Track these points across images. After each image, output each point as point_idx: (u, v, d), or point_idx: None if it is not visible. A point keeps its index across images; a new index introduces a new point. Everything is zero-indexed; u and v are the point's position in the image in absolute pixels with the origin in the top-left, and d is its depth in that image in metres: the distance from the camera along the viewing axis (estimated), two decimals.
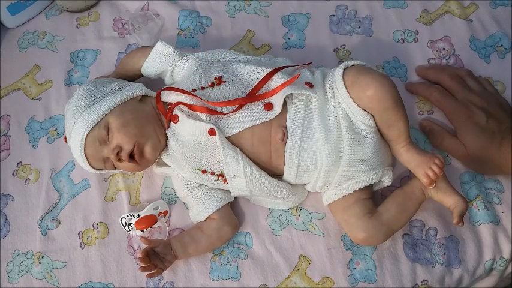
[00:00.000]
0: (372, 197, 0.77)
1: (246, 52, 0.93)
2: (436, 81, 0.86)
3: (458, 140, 0.80)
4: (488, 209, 0.80)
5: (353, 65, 0.74)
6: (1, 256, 0.81)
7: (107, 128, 0.74)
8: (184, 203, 0.82)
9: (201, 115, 0.73)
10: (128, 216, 0.79)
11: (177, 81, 0.81)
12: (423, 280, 0.77)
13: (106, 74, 0.91)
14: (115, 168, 0.77)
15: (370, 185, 0.76)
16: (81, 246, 0.80)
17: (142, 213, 0.78)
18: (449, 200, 0.74)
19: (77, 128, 0.74)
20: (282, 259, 0.78)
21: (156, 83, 0.85)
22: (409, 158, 0.75)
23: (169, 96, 0.76)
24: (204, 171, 0.75)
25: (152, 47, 0.82)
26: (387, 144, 0.76)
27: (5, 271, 0.80)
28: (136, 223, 0.77)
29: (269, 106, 0.73)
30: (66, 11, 1.00)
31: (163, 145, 0.77)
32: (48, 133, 0.89)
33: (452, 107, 0.82)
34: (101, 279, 0.78)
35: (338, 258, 0.78)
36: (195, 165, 0.75)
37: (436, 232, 0.79)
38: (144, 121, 0.75)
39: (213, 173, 0.75)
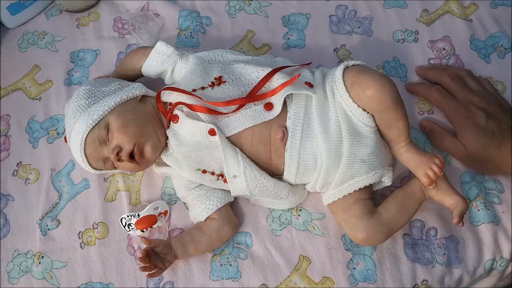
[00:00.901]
0: (372, 197, 0.77)
1: (246, 52, 0.93)
2: (436, 81, 0.86)
3: (458, 140, 0.80)
4: (488, 209, 0.80)
5: (353, 65, 0.74)
6: (1, 256, 0.81)
7: (107, 128, 0.74)
8: (184, 203, 0.82)
9: (201, 115, 0.73)
10: (128, 216, 0.79)
11: (177, 81, 0.81)
12: (423, 280, 0.77)
13: (106, 74, 0.91)
14: (115, 168, 0.77)
15: (370, 185, 0.76)
16: (81, 246, 0.80)
17: (142, 213, 0.78)
18: (449, 200, 0.74)
19: (77, 128, 0.74)
20: (282, 259, 0.78)
21: (156, 83, 0.85)
22: (409, 158, 0.75)
23: (169, 96, 0.76)
24: (204, 171, 0.75)
25: (152, 47, 0.82)
26: (387, 144, 0.76)
27: (5, 271, 0.80)
28: (136, 223, 0.77)
29: (269, 106, 0.73)
30: (66, 11, 1.00)
31: (163, 145, 0.77)
32: (48, 133, 0.89)
33: (452, 107, 0.82)
34: (101, 279, 0.78)
35: (338, 258, 0.78)
36: (195, 165, 0.75)
37: (436, 232, 0.79)
38: (144, 121, 0.75)
39: (213, 173, 0.75)
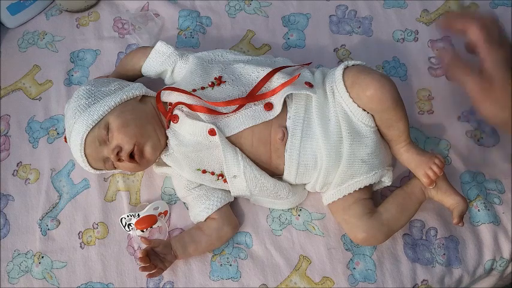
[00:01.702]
0: (372, 197, 0.77)
1: (246, 52, 0.93)
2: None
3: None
4: (488, 210, 0.80)
5: (353, 65, 0.74)
6: (1, 256, 0.81)
7: (107, 128, 0.74)
8: (184, 203, 0.82)
9: (201, 115, 0.73)
10: (128, 216, 0.79)
11: (177, 81, 0.81)
12: (423, 280, 0.77)
13: (106, 74, 0.91)
14: (115, 168, 0.77)
15: (370, 185, 0.76)
16: (81, 246, 0.80)
17: (142, 213, 0.78)
18: (449, 200, 0.74)
19: (77, 128, 0.74)
20: (282, 259, 0.78)
21: (156, 83, 0.85)
22: (409, 158, 0.75)
23: (169, 96, 0.76)
24: (204, 171, 0.75)
25: (152, 47, 0.82)
26: (387, 144, 0.76)
27: (5, 271, 0.80)
28: (136, 223, 0.77)
29: (269, 106, 0.73)
30: (66, 11, 1.00)
31: (163, 145, 0.77)
32: (48, 133, 0.89)
33: None
34: (101, 279, 0.78)
35: (338, 258, 0.78)
36: (195, 165, 0.75)
37: (436, 232, 0.79)
38: (144, 121, 0.75)
39: (213, 173, 0.75)
